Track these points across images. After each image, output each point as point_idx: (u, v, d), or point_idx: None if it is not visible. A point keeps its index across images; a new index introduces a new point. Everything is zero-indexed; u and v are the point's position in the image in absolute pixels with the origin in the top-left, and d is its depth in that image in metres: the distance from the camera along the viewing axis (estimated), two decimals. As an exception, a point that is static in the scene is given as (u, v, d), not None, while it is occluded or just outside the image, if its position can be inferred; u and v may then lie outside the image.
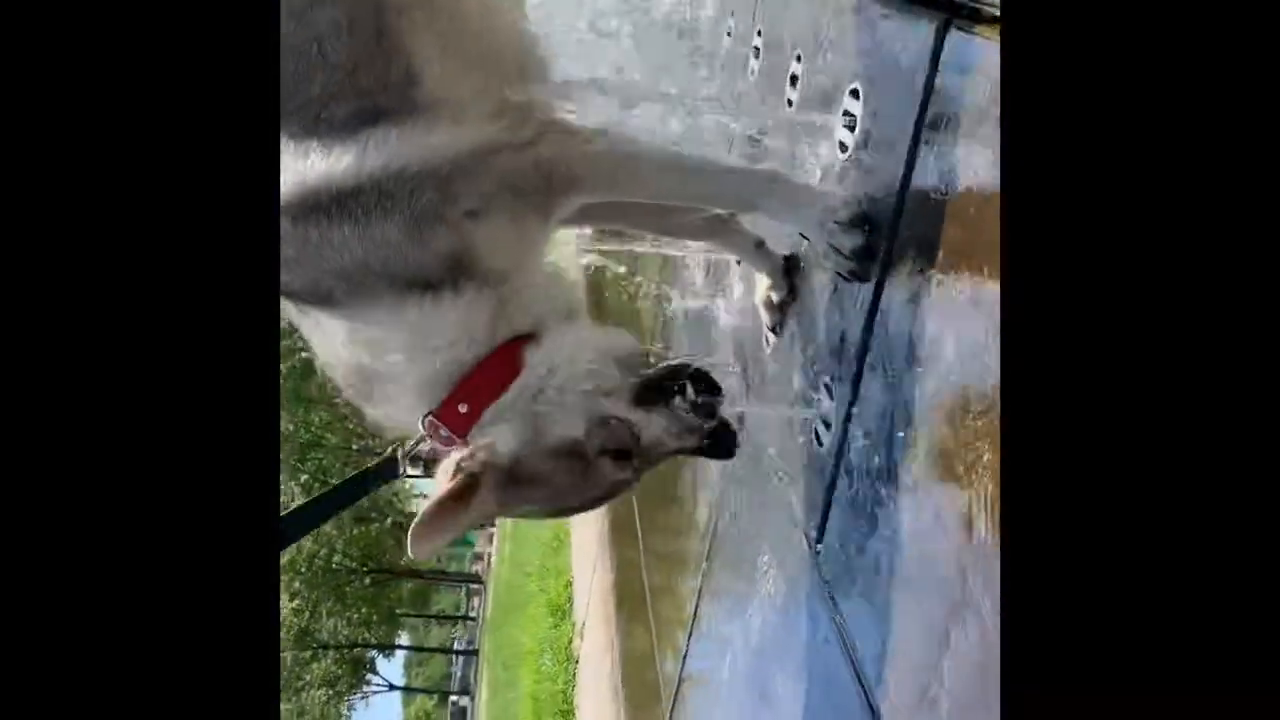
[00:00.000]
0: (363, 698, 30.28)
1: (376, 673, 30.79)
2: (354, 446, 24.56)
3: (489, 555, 27.15)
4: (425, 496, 1.41)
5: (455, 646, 40.23)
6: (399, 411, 1.42)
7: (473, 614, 36.81)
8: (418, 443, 1.48)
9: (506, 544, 16.05)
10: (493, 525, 23.91)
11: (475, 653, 31.64)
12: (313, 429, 22.21)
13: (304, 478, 21.33)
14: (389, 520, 25.20)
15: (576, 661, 4.41)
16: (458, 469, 1.36)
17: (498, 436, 1.38)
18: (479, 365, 1.38)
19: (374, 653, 30.00)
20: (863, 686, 1.43)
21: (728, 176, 1.62)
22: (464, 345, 1.37)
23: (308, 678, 25.50)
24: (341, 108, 1.29)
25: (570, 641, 4.59)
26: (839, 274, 1.59)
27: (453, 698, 38.98)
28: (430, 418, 1.38)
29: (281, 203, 1.23)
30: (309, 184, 1.26)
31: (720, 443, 1.44)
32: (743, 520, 2.18)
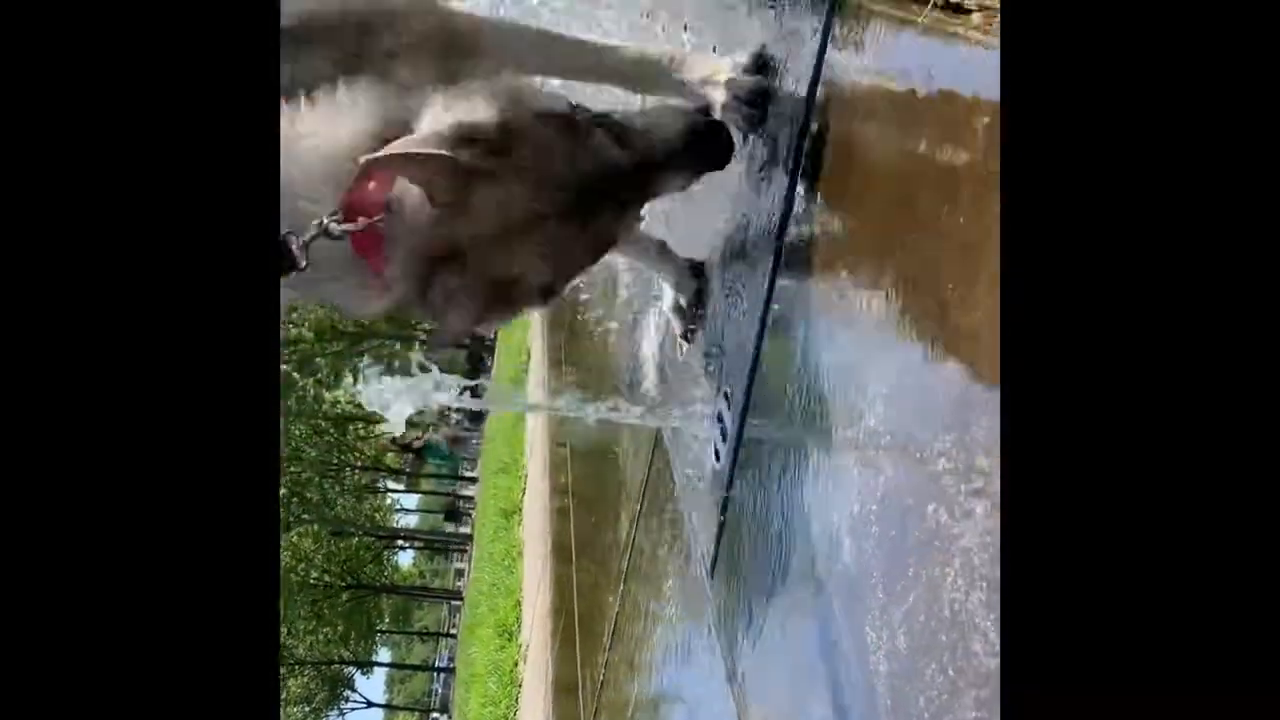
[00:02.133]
0: (340, 715, 29.91)
1: (355, 690, 30.42)
2: (333, 460, 24.37)
3: (469, 572, 26.95)
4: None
5: (437, 664, 39.84)
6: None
7: (454, 631, 36.48)
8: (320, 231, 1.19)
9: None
10: (468, 543, 23.71)
11: (455, 670, 31.36)
12: (292, 441, 22.04)
13: (281, 492, 21.12)
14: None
15: (520, 685, 4.26)
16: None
17: (475, 105, 1.22)
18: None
19: (352, 669, 29.66)
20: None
21: (625, 52, 1.53)
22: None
23: (283, 694, 25.16)
24: None
25: (515, 664, 4.44)
26: (740, 127, 1.46)
27: (434, 715, 38.56)
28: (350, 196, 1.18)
29: None
30: None
31: (718, 141, 1.32)
32: (655, 542, 2.06)
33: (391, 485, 30.30)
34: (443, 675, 38.49)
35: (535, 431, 5.91)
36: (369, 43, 1.34)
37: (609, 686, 2.36)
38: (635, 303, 2.54)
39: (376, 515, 29.95)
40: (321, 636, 25.68)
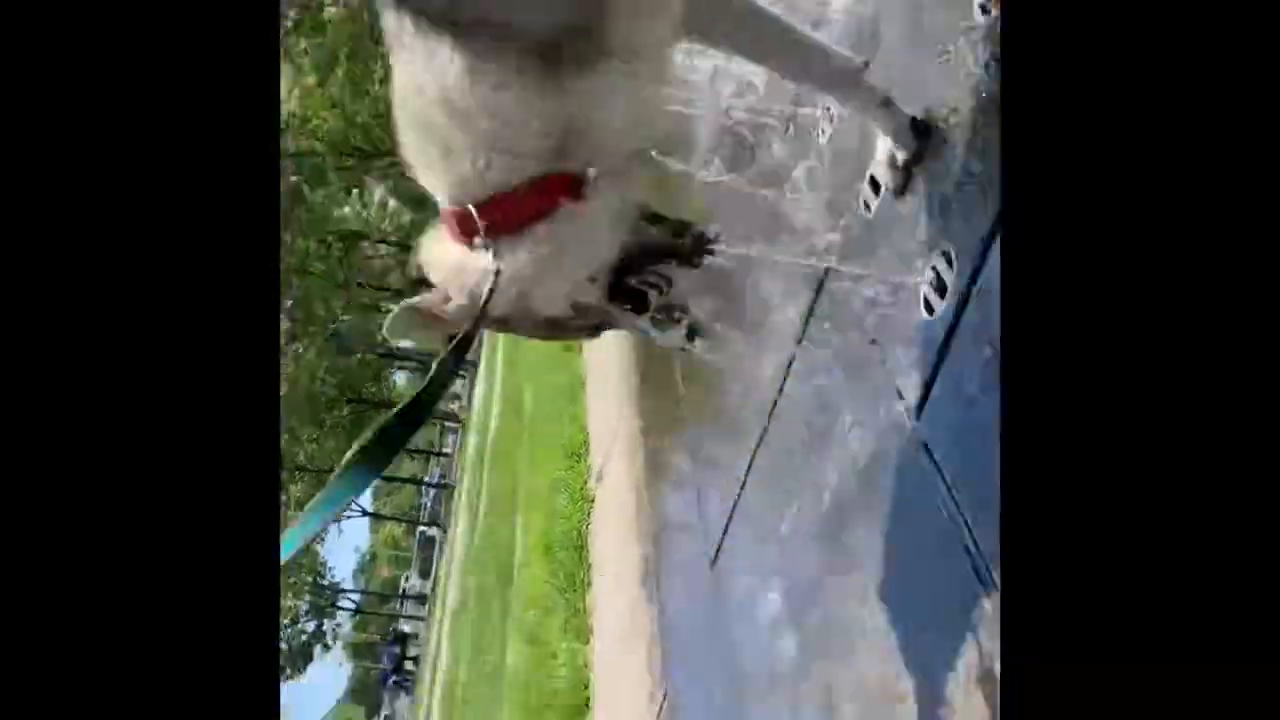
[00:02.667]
0: (335, 521, 31.04)
1: (350, 498, 31.46)
2: (339, 277, 24.40)
3: (466, 395, 27.55)
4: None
5: (428, 479, 41.25)
6: (430, 180, 1.34)
7: (446, 450, 37.57)
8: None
9: (495, 389, 16.29)
10: (468, 372, 24.15)
11: (446, 487, 32.32)
12: (297, 255, 21.97)
13: (288, 303, 21.27)
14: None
15: (591, 501, 4.57)
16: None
17: (507, 278, 1.34)
18: (516, 192, 1.28)
19: (348, 479, 30.55)
20: (969, 528, 1.49)
21: (824, 55, 1.65)
22: (521, 143, 1.25)
23: (284, 499, 26.12)
24: None
25: (585, 482, 4.75)
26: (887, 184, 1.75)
27: (421, 527, 40.23)
28: (449, 210, 1.34)
29: None
30: None
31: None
32: (818, 381, 2.21)
33: (393, 306, 30.41)
34: (433, 490, 39.95)
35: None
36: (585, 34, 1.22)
37: (742, 507, 2.57)
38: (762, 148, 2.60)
39: (378, 334, 30.18)
40: (322, 446, 26.44)
